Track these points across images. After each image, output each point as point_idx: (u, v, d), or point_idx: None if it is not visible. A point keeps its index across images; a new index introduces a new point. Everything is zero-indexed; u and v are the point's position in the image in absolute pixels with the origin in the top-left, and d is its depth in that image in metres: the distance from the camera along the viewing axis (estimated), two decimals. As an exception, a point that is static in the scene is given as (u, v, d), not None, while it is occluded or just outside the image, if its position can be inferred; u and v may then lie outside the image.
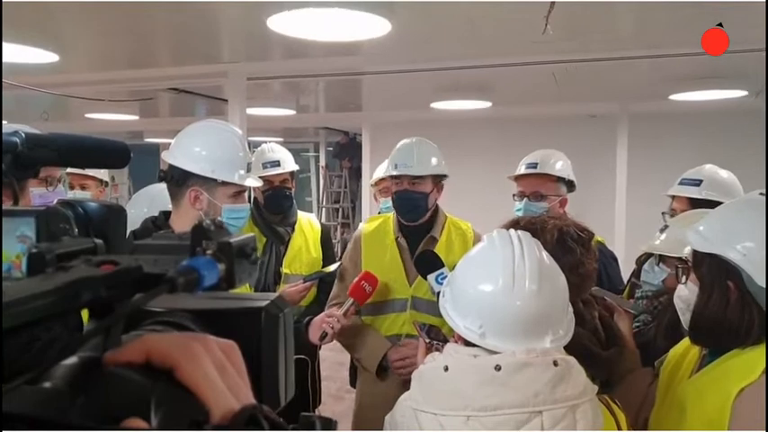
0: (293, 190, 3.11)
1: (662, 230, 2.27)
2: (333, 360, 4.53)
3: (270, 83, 4.58)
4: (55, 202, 0.71)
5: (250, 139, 3.88)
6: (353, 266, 2.62)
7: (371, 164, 6.58)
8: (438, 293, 2.22)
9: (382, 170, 3.66)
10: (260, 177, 2.51)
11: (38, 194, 2.14)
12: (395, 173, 2.54)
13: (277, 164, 3.02)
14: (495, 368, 1.23)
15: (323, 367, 3.19)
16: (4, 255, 0.54)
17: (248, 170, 2.14)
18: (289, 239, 3.01)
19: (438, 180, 2.57)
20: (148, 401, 0.42)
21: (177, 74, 3.99)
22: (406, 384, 1.50)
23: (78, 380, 0.43)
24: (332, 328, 2.39)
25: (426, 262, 2.38)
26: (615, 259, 2.86)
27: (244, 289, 0.59)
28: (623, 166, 5.51)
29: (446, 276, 2.25)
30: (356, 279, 2.48)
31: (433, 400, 1.28)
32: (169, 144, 2.16)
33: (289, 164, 3.07)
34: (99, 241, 0.53)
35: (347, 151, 10.47)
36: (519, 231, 1.43)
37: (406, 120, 6.50)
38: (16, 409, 0.38)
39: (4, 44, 2.99)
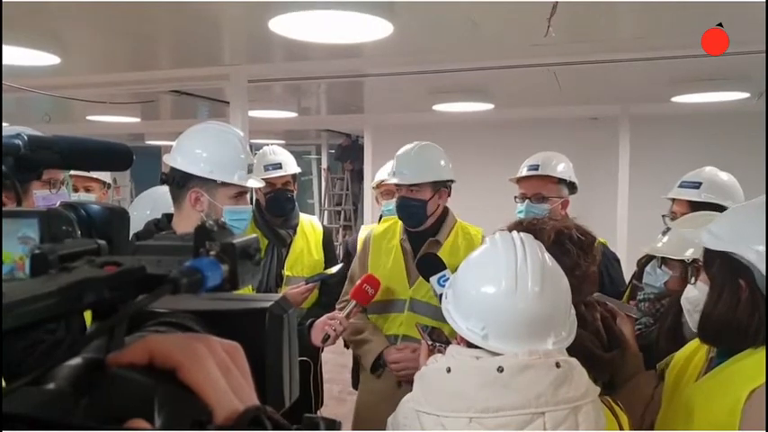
0: (295, 192, 3.11)
1: (664, 233, 2.27)
2: (335, 362, 4.52)
3: (271, 85, 4.58)
4: (58, 204, 0.70)
5: (252, 141, 3.89)
6: (362, 268, 2.66)
7: (373, 166, 6.57)
8: (440, 295, 2.23)
9: (384, 173, 3.67)
10: (262, 180, 2.51)
11: (41, 197, 2.14)
12: (392, 181, 2.59)
13: (279, 166, 3.02)
14: (498, 370, 1.23)
15: (325, 369, 3.19)
16: (7, 256, 0.54)
17: (251, 171, 2.14)
18: (290, 242, 3.01)
19: (439, 186, 2.58)
20: (152, 402, 0.42)
21: (179, 76, 3.99)
22: (407, 386, 1.50)
23: (82, 381, 0.43)
24: (334, 330, 2.40)
25: (428, 264, 2.39)
26: (617, 261, 2.86)
27: (246, 291, 0.59)
28: (625, 168, 5.50)
29: (448, 278, 2.25)
30: (358, 282, 2.51)
31: (436, 402, 1.28)
32: (170, 146, 2.16)
33: (291, 166, 3.08)
34: (102, 242, 0.53)
35: (349, 154, 10.47)
36: (521, 233, 1.43)
37: (408, 122, 6.51)
38: (20, 409, 0.38)
39: (5, 47, 3.00)
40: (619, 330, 1.81)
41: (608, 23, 2.87)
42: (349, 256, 3.43)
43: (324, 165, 11.36)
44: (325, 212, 11.17)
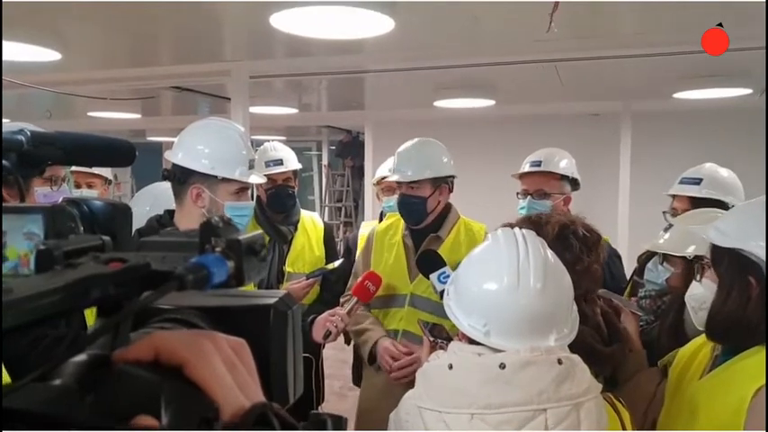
0: (296, 189, 3.11)
1: (666, 229, 2.27)
2: (336, 358, 4.53)
3: (272, 81, 4.58)
4: (60, 200, 0.70)
5: (253, 137, 3.88)
6: (365, 264, 2.67)
7: (374, 163, 6.56)
8: (441, 292, 2.23)
9: (384, 169, 3.67)
10: (263, 176, 2.51)
11: (42, 194, 2.13)
12: (392, 179, 2.59)
13: (280, 162, 3.02)
14: (500, 366, 1.23)
15: (326, 365, 3.20)
16: (12, 251, 0.54)
17: (252, 167, 2.14)
18: (292, 238, 3.01)
19: (439, 182, 2.57)
20: (158, 399, 0.42)
21: (180, 72, 3.99)
22: (410, 383, 1.50)
23: (88, 377, 0.43)
24: (335, 326, 2.41)
25: (428, 261, 2.39)
26: (618, 257, 2.86)
27: (248, 287, 0.59)
28: (626, 164, 5.50)
29: (448, 275, 2.25)
30: (360, 278, 2.52)
31: (438, 398, 1.28)
32: (172, 143, 2.16)
33: (291, 162, 3.07)
34: (107, 238, 0.53)
35: (350, 150, 10.46)
36: (524, 230, 1.42)
37: (409, 118, 6.50)
38: (26, 406, 0.38)
39: (6, 43, 3.00)
40: (622, 326, 1.81)
41: (610, 19, 2.86)
42: (349, 252, 3.42)
43: (324, 161, 11.36)
44: (326, 209, 11.17)
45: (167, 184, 2.15)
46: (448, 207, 2.65)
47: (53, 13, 2.69)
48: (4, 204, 0.55)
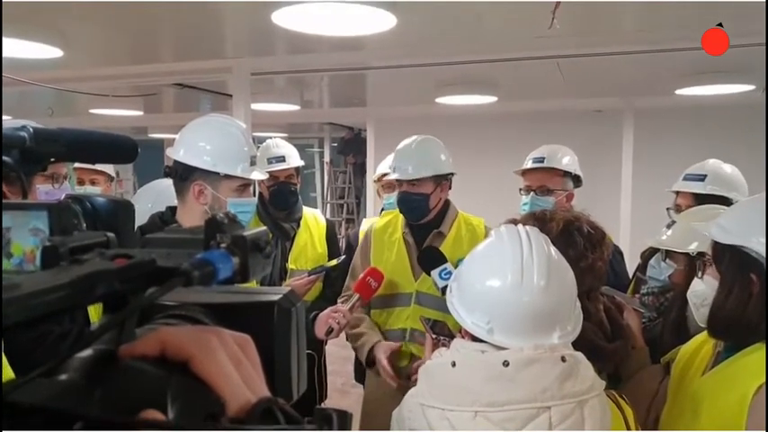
0: (298, 185, 3.11)
1: (668, 226, 2.26)
2: (338, 355, 4.53)
3: (274, 78, 4.58)
4: (63, 197, 0.70)
5: (254, 134, 3.89)
6: (364, 262, 2.66)
7: (376, 159, 6.56)
8: (442, 289, 2.23)
9: (385, 166, 3.66)
10: (265, 172, 2.51)
11: (44, 191, 2.13)
12: (392, 176, 2.58)
13: (282, 159, 3.01)
14: (503, 364, 1.23)
15: (328, 362, 3.20)
16: (17, 248, 0.54)
17: (254, 164, 2.14)
18: (294, 235, 3.01)
19: (440, 179, 2.57)
20: (165, 394, 0.42)
21: (181, 69, 3.99)
22: (413, 381, 1.50)
23: (94, 372, 0.43)
24: (338, 323, 2.40)
25: (429, 258, 2.39)
26: (621, 254, 2.85)
27: (251, 284, 0.59)
28: (629, 161, 5.50)
29: (449, 272, 2.25)
30: (362, 275, 2.51)
31: (441, 396, 1.28)
32: (173, 140, 2.16)
33: (294, 159, 3.07)
34: (111, 235, 0.53)
35: (351, 147, 10.46)
36: (527, 227, 1.42)
37: (411, 115, 6.50)
38: (33, 400, 0.38)
39: (8, 40, 3.00)
40: (625, 323, 1.81)
41: (611, 16, 2.86)
42: (351, 248, 3.42)
43: (326, 158, 11.36)
44: (328, 205, 11.17)
45: (169, 181, 2.15)
46: (447, 203, 2.65)
47: (55, 10, 2.69)
48: (9, 201, 0.55)
